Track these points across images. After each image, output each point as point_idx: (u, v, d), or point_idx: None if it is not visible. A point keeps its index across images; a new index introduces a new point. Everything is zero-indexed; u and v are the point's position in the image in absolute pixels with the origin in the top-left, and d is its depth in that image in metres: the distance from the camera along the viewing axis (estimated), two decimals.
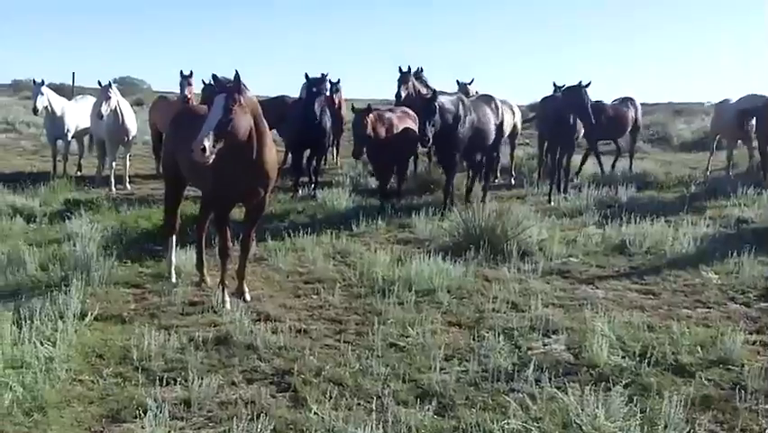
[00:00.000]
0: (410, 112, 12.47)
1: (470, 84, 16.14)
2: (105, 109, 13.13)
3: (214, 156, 6.05)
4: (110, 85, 13.44)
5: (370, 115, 11.32)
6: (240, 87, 6.34)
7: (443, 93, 12.02)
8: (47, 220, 10.59)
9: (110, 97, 13.26)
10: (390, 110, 12.67)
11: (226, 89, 6.32)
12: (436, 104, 11.08)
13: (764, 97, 15.64)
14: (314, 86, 13.03)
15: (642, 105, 18.12)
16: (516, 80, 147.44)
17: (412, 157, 14.19)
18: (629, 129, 17.07)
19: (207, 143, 5.97)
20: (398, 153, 12.12)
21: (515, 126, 16.01)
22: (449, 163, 12.10)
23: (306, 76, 13.10)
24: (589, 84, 13.05)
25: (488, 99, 13.24)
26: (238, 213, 8.15)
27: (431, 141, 11.10)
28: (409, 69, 14.17)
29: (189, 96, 14.20)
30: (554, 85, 15.11)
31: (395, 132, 11.84)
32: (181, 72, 14.33)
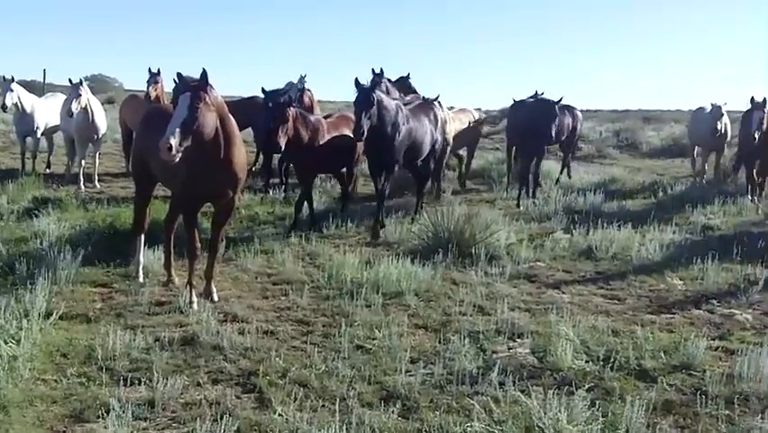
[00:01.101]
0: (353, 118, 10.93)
1: (435, 100, 16.06)
2: (75, 107, 13.06)
3: (180, 154, 6.08)
4: (81, 82, 13.36)
5: (291, 110, 10.21)
6: (206, 86, 6.35)
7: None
8: (14, 218, 10.49)
9: (80, 95, 13.18)
10: (327, 116, 11.96)
11: (191, 88, 6.33)
12: (374, 95, 9.99)
13: (718, 106, 15.91)
14: (270, 100, 11.73)
15: (612, 112, 18.12)
16: (500, 87, 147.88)
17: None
18: (565, 135, 16.85)
19: (174, 142, 6.01)
20: (329, 162, 11.12)
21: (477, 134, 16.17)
22: (388, 169, 10.99)
23: (263, 90, 12.63)
24: (560, 100, 13.28)
25: (426, 108, 12.29)
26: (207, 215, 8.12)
27: (365, 134, 9.84)
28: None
29: (154, 94, 14.07)
30: (536, 93, 15.14)
31: (320, 138, 10.69)
32: (149, 70, 14.26)
